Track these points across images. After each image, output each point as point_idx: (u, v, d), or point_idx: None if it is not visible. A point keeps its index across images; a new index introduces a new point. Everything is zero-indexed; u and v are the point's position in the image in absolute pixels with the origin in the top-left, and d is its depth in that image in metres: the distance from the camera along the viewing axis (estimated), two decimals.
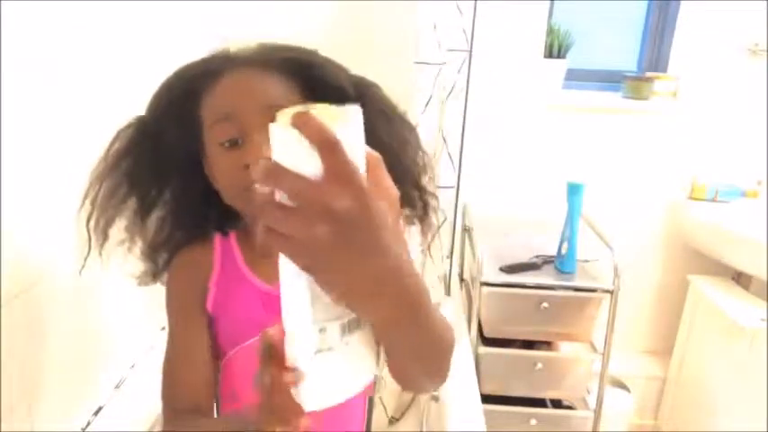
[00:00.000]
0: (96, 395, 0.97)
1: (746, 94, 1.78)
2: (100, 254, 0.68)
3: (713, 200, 1.81)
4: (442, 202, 1.49)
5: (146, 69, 1.24)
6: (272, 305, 0.67)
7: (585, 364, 1.59)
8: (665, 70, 1.89)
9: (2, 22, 0.68)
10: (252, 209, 0.64)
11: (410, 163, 0.70)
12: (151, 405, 0.97)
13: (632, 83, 1.82)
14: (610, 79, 1.93)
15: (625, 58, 2.00)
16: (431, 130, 1.40)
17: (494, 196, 1.89)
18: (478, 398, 1.17)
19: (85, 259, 0.70)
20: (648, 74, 1.88)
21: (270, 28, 1.83)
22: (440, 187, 1.48)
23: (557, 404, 1.68)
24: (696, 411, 1.75)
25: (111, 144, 0.67)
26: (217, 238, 0.73)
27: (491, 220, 1.85)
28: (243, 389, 0.72)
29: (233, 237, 0.73)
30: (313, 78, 0.66)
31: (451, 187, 1.49)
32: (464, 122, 1.48)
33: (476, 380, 1.26)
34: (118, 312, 1.02)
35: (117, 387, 1.01)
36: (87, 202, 0.67)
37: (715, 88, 1.79)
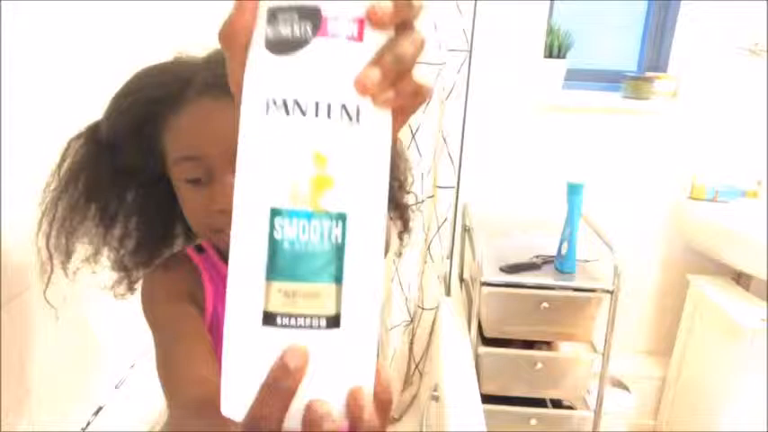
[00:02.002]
0: (96, 395, 0.97)
1: (746, 94, 1.78)
2: (65, 272, 0.66)
3: (713, 200, 1.81)
4: (442, 202, 1.50)
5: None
6: None
7: (585, 364, 1.59)
8: (665, 70, 1.89)
9: (2, 22, 0.68)
10: (222, 246, 0.63)
11: (396, 177, 0.69)
12: (151, 405, 0.98)
13: (632, 83, 1.82)
14: (610, 79, 1.93)
15: (625, 58, 2.00)
16: (431, 130, 1.40)
17: (494, 196, 1.89)
18: (478, 398, 1.17)
19: (48, 278, 0.67)
20: (648, 74, 1.88)
21: None
22: (440, 187, 1.48)
23: (557, 404, 1.68)
24: (696, 411, 1.75)
25: (63, 157, 0.64)
26: (192, 254, 0.68)
27: (491, 220, 1.85)
28: None
29: (210, 250, 0.68)
30: None
31: (451, 187, 1.49)
32: (464, 122, 1.48)
33: (476, 380, 1.26)
34: (118, 312, 1.02)
35: (117, 387, 1.01)
36: (45, 221, 0.63)
37: (715, 88, 1.79)
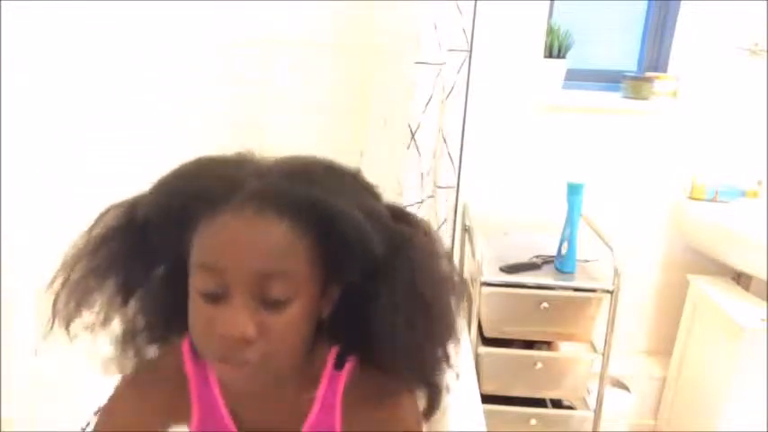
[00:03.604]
0: (96, 395, 0.97)
1: (746, 94, 1.78)
2: (67, 334, 0.61)
3: (713, 200, 1.81)
4: (442, 202, 1.50)
5: (145, 69, 1.24)
6: None
7: (585, 364, 1.59)
8: (665, 70, 1.88)
9: (2, 22, 0.68)
10: (221, 377, 0.59)
11: (421, 343, 0.61)
12: None
13: (632, 83, 1.82)
14: (610, 79, 1.93)
15: (625, 58, 2.00)
16: (431, 130, 1.40)
17: (494, 196, 1.89)
18: (478, 398, 1.17)
19: (44, 339, 0.63)
20: (648, 74, 1.88)
21: (271, 28, 1.84)
22: (440, 187, 1.48)
23: (557, 404, 1.68)
24: (696, 411, 1.75)
25: (98, 221, 0.61)
26: (187, 360, 0.64)
27: (491, 220, 1.85)
28: None
29: (212, 377, 0.64)
30: (333, 231, 0.54)
31: (451, 187, 1.49)
32: (464, 122, 1.48)
33: (476, 380, 1.26)
34: None
35: None
36: (59, 277, 0.60)
37: (715, 88, 1.79)
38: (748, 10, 1.72)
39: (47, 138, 0.79)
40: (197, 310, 0.55)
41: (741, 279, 1.79)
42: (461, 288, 0.66)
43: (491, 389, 1.56)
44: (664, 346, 1.97)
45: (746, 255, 1.63)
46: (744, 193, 1.82)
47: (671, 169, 1.87)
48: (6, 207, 0.70)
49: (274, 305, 0.53)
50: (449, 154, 1.45)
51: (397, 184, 1.40)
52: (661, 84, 1.81)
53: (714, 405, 1.65)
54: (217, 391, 0.64)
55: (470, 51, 1.42)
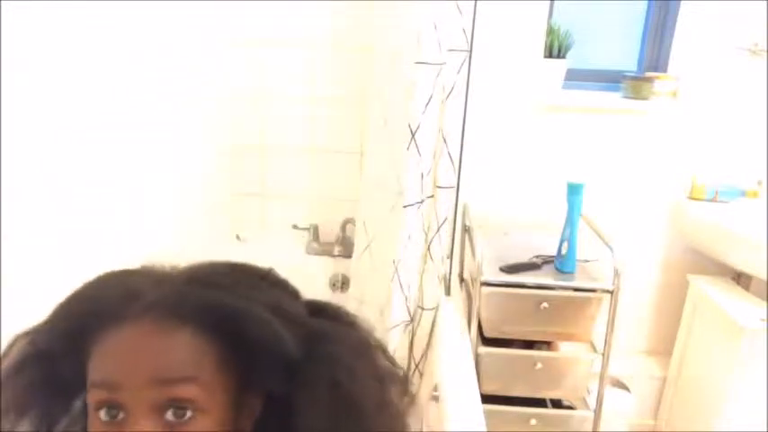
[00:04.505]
0: None
1: (746, 94, 1.78)
2: None
3: (713, 200, 1.81)
4: (442, 202, 1.50)
5: (145, 70, 1.24)
6: None
7: (585, 364, 1.59)
8: (665, 70, 1.89)
9: (2, 22, 0.68)
10: None
11: (363, 424, 0.53)
12: None
13: (632, 83, 1.82)
14: (610, 79, 1.93)
15: (625, 58, 2.00)
16: (431, 130, 1.40)
17: (494, 196, 1.90)
18: (478, 398, 1.17)
19: None
20: (648, 74, 1.88)
21: (270, 28, 1.84)
22: (440, 187, 1.48)
23: (557, 404, 1.68)
24: (696, 411, 1.75)
25: (5, 354, 0.56)
26: None
27: (491, 220, 1.85)
28: None
29: None
30: (241, 334, 0.51)
31: (451, 187, 1.49)
32: (464, 122, 1.48)
33: (476, 380, 1.26)
34: None
35: None
36: None
37: (715, 88, 1.79)
38: (748, 10, 1.72)
39: (47, 138, 0.79)
40: (94, 426, 0.50)
41: (741, 279, 1.79)
42: (404, 379, 0.60)
43: (491, 389, 1.56)
44: (664, 346, 1.97)
45: (746, 255, 1.63)
46: (744, 193, 1.82)
47: (671, 169, 1.87)
48: (6, 207, 0.71)
49: (180, 421, 0.48)
50: (449, 154, 1.45)
51: (397, 184, 1.40)
52: (661, 84, 1.81)
53: (714, 405, 1.65)
54: None
55: (470, 51, 1.41)
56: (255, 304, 0.51)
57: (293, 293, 0.58)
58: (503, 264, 1.57)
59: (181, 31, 1.48)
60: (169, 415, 0.48)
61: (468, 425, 1.07)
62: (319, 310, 0.58)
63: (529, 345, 1.63)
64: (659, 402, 1.94)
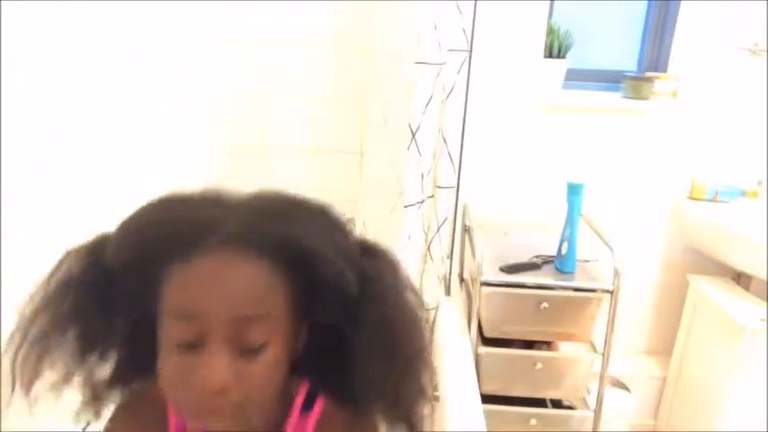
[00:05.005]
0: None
1: (746, 94, 1.78)
2: (28, 393, 0.57)
3: (713, 200, 1.81)
4: (442, 202, 1.49)
5: (145, 69, 1.24)
6: None
7: (585, 364, 1.59)
8: (665, 70, 1.89)
9: (2, 22, 0.68)
10: (194, 423, 0.56)
11: (400, 374, 0.58)
12: None
13: (632, 83, 1.82)
14: (610, 79, 1.93)
15: (625, 58, 2.00)
16: (431, 130, 1.40)
17: (494, 196, 1.90)
18: (478, 398, 1.17)
19: (8, 402, 0.58)
20: (648, 74, 1.88)
21: (270, 28, 1.84)
22: (440, 187, 1.48)
23: (557, 404, 1.68)
24: (696, 411, 1.75)
25: (57, 268, 0.57)
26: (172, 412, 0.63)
27: (491, 220, 1.85)
28: None
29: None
30: (309, 271, 0.53)
31: (451, 187, 1.49)
32: (464, 122, 1.48)
33: (476, 380, 1.26)
34: None
35: None
36: (19, 334, 0.56)
37: (715, 88, 1.79)
38: (748, 10, 1.72)
39: (47, 138, 0.79)
40: (170, 361, 0.51)
41: (741, 279, 1.79)
42: (426, 316, 0.64)
43: (491, 389, 1.56)
44: (664, 346, 1.97)
45: (746, 255, 1.63)
46: (744, 193, 1.82)
47: (671, 169, 1.87)
48: (6, 207, 0.70)
49: (251, 351, 0.51)
50: (449, 154, 1.45)
51: (397, 184, 1.40)
52: (661, 84, 1.81)
53: (714, 405, 1.65)
54: None
55: (470, 51, 1.41)
56: (325, 242, 0.53)
57: (347, 230, 0.59)
58: (503, 264, 1.57)
59: (181, 31, 1.48)
60: (242, 348, 0.50)
61: (468, 425, 1.07)
62: (367, 248, 0.60)
63: (529, 345, 1.63)
64: (659, 402, 1.94)
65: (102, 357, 0.59)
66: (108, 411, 0.63)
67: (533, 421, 1.60)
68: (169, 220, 0.53)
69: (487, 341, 1.58)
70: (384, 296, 0.56)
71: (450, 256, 1.62)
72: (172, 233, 0.51)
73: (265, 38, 1.82)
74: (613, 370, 1.67)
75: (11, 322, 0.55)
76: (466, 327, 1.52)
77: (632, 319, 1.96)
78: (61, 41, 0.82)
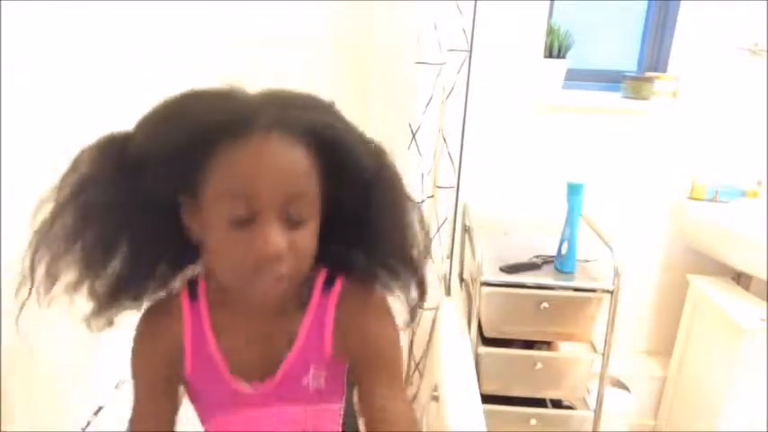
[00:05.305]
0: (96, 395, 0.97)
1: (746, 94, 1.78)
2: (45, 293, 0.58)
3: (713, 200, 1.81)
4: (442, 202, 1.49)
5: (145, 69, 1.24)
6: (238, 395, 0.66)
7: (585, 364, 1.59)
8: (665, 70, 1.89)
9: (2, 22, 0.68)
10: (254, 297, 0.61)
11: (408, 241, 0.68)
12: None
13: (632, 83, 1.82)
14: (610, 79, 1.93)
15: (625, 58, 2.00)
16: (431, 130, 1.40)
17: (494, 196, 1.89)
18: (478, 398, 1.17)
19: (23, 304, 0.59)
20: (648, 74, 1.88)
21: (270, 28, 1.84)
22: (440, 187, 1.48)
23: (557, 404, 1.68)
24: (696, 411, 1.75)
25: (74, 167, 0.58)
26: (184, 296, 0.68)
27: (491, 220, 1.85)
28: None
29: (202, 293, 0.67)
30: (335, 155, 0.59)
31: (451, 187, 1.49)
32: (464, 122, 1.48)
33: (476, 380, 1.26)
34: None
35: (117, 387, 1.01)
36: (37, 235, 0.57)
37: (715, 88, 1.79)
38: (748, 10, 1.72)
39: (47, 138, 0.79)
40: (226, 236, 0.56)
41: (741, 279, 1.79)
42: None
43: (491, 389, 1.56)
44: (664, 346, 1.97)
45: (746, 255, 1.63)
46: (744, 193, 1.82)
47: (671, 169, 1.87)
48: (6, 207, 0.70)
49: (296, 224, 0.57)
50: (449, 154, 1.45)
51: None
52: (661, 84, 1.81)
53: (714, 405, 1.65)
54: (209, 331, 0.66)
55: (470, 51, 1.41)
56: (347, 131, 0.61)
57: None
58: (503, 264, 1.57)
59: (181, 31, 1.48)
60: (289, 219, 0.57)
61: (468, 425, 1.07)
62: (374, 142, 0.66)
63: (529, 345, 1.63)
64: (659, 402, 1.94)
65: (115, 260, 0.61)
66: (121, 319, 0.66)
67: (533, 421, 1.60)
68: (206, 109, 0.56)
69: (487, 341, 1.58)
70: (390, 175, 0.65)
71: (450, 256, 1.62)
72: (216, 121, 0.55)
73: (265, 38, 1.82)
74: (613, 370, 1.67)
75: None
76: (466, 327, 1.52)
77: (632, 319, 1.96)
78: (61, 41, 0.82)
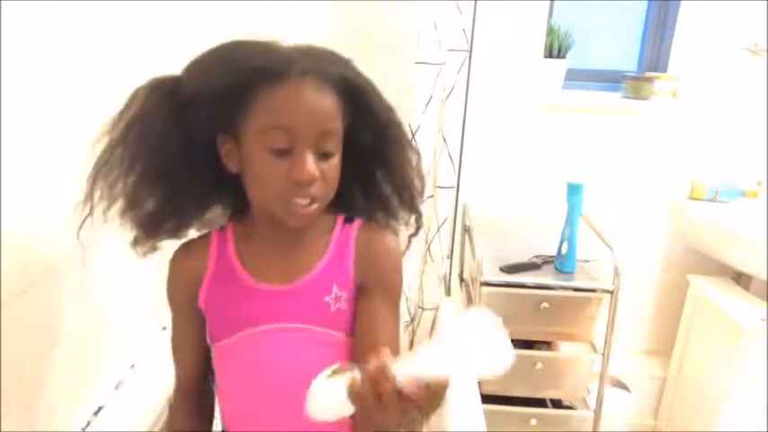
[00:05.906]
0: (96, 395, 0.97)
1: (746, 94, 1.78)
2: (103, 212, 0.68)
3: (713, 200, 1.81)
4: (442, 202, 1.49)
5: (145, 69, 1.24)
6: (258, 301, 0.73)
7: (585, 364, 1.59)
8: (665, 70, 1.89)
9: (2, 22, 0.68)
10: (290, 217, 0.68)
11: (411, 184, 0.80)
12: (151, 405, 0.98)
13: (632, 83, 1.82)
14: (610, 79, 1.93)
15: (625, 58, 2.00)
16: (431, 130, 1.40)
17: (494, 196, 1.89)
18: (478, 398, 1.17)
19: (83, 221, 0.69)
20: (648, 74, 1.88)
21: (270, 27, 1.83)
22: (440, 187, 1.48)
23: (557, 404, 1.68)
24: (696, 411, 1.75)
25: (128, 104, 0.67)
26: (215, 233, 0.78)
27: (491, 220, 1.85)
28: (222, 383, 0.78)
29: (230, 230, 0.78)
30: (357, 103, 0.70)
31: (451, 187, 1.49)
32: (464, 122, 1.48)
33: (476, 380, 1.26)
34: (117, 313, 1.02)
35: (117, 387, 1.01)
36: (98, 164, 0.67)
37: (715, 88, 1.79)
38: (748, 10, 1.72)
39: (47, 138, 0.79)
40: (268, 164, 0.65)
41: (741, 279, 1.79)
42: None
43: (491, 389, 1.56)
44: (664, 346, 1.97)
45: (746, 255, 1.63)
46: (744, 193, 1.82)
47: (671, 169, 1.87)
48: (6, 207, 0.70)
49: (325, 156, 0.67)
50: (449, 154, 1.45)
51: None
52: (661, 84, 1.81)
53: (714, 405, 1.65)
54: (231, 246, 0.76)
55: (470, 51, 1.41)
56: (369, 83, 0.72)
57: None
58: (503, 264, 1.57)
59: (181, 31, 1.48)
60: (320, 152, 0.66)
61: (468, 425, 1.07)
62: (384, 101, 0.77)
63: (529, 345, 1.63)
64: (659, 402, 1.94)
65: (158, 192, 0.70)
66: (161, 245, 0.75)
67: (533, 421, 1.60)
68: (255, 56, 0.65)
69: None
70: (400, 129, 0.77)
71: (450, 256, 1.62)
72: (261, 65, 0.64)
73: (265, 38, 1.82)
74: (613, 370, 1.67)
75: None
76: None
77: (632, 319, 1.96)
78: (61, 41, 0.82)
